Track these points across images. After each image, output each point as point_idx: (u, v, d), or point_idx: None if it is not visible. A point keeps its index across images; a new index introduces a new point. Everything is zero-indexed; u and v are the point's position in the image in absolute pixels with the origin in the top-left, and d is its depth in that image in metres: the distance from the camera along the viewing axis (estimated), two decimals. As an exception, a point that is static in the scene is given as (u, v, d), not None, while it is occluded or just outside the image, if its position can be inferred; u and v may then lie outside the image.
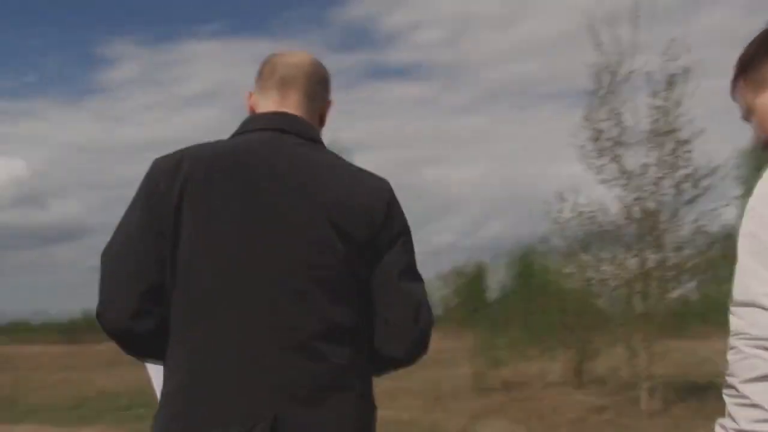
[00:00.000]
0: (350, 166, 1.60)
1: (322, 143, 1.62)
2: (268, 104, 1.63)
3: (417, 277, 1.54)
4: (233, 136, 1.59)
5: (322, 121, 1.71)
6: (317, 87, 1.67)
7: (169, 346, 1.44)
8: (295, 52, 1.71)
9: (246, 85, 1.71)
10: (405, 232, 1.55)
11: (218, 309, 1.41)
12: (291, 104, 1.62)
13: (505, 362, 11.56)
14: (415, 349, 1.51)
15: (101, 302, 1.46)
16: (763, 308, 1.14)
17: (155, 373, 1.69)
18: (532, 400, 10.20)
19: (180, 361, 1.43)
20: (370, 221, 1.48)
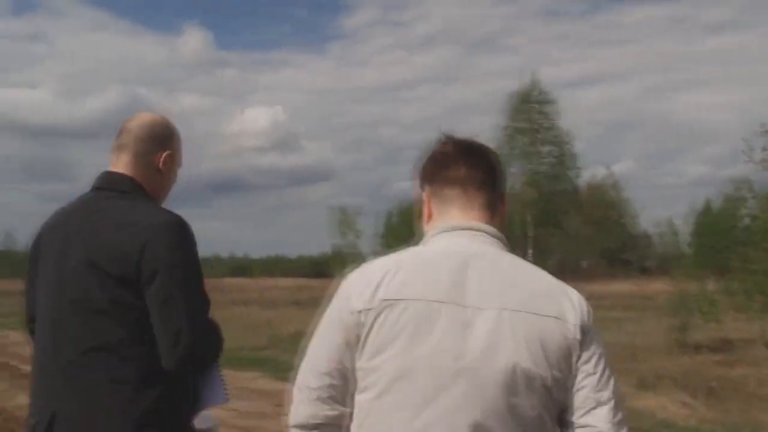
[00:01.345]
0: (133, 209, 1.85)
1: (134, 193, 1.91)
2: (109, 163, 1.97)
3: (178, 306, 1.74)
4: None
5: (161, 171, 1.99)
6: (147, 144, 1.96)
7: None
8: (138, 116, 2.01)
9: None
10: (167, 266, 1.75)
11: (41, 335, 1.88)
12: (121, 165, 1.95)
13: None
14: (181, 366, 1.75)
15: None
16: None
17: None
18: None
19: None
20: (125, 259, 1.75)
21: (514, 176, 31.72)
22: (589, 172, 44.57)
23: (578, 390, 1.35)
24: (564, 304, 1.38)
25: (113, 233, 1.78)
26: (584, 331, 1.36)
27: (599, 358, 1.37)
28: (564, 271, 35.04)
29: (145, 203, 1.90)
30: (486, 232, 1.44)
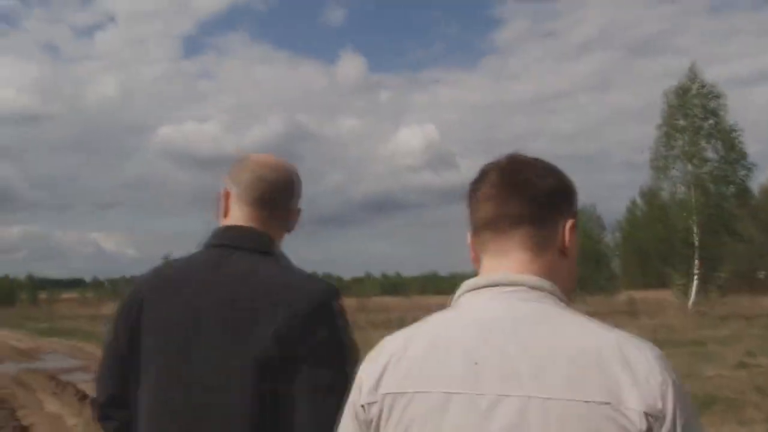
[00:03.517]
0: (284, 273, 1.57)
1: (272, 254, 1.62)
2: (238, 216, 1.66)
3: (332, 393, 1.39)
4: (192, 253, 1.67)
5: (290, 227, 1.74)
6: (281, 196, 1.69)
7: None
8: (267, 162, 1.70)
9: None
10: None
11: (161, 419, 1.54)
12: (261, 221, 1.65)
13: None
14: None
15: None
16: None
17: None
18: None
19: None
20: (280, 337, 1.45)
21: (673, 180, 28.99)
22: (765, 175, 40.37)
23: None
24: (620, 376, 0.98)
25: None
26: (659, 417, 0.96)
27: None
28: (738, 283, 31.78)
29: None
30: (521, 285, 1.11)
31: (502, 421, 1.00)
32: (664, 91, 29.92)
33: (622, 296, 37.59)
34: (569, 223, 1.19)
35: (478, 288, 1.15)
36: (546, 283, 1.12)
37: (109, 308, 47.89)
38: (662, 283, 34.01)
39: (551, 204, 1.18)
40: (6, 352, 19.78)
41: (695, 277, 28.79)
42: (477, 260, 1.22)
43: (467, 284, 1.17)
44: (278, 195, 1.68)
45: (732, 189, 29.36)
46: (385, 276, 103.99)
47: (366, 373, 1.15)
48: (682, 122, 29.25)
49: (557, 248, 1.17)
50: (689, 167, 29.19)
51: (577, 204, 1.24)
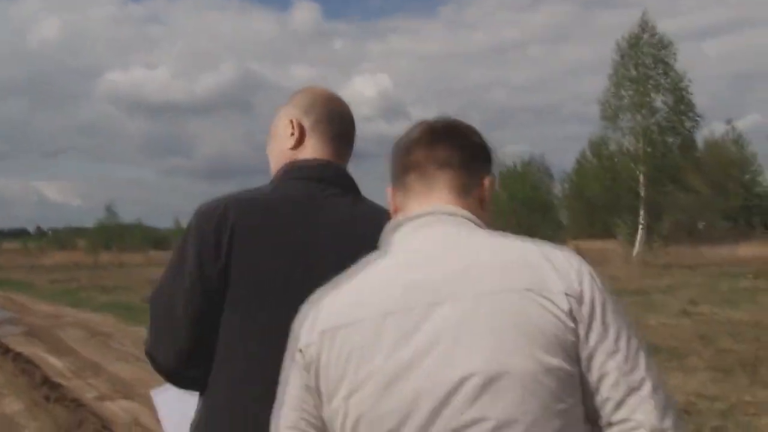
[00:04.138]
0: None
1: (359, 193, 1.60)
2: (322, 150, 1.60)
3: None
4: (276, 183, 1.58)
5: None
6: (354, 134, 1.69)
7: (212, 375, 1.46)
8: (338, 97, 1.69)
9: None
10: None
11: (259, 347, 1.41)
12: (342, 160, 1.64)
13: None
14: None
15: (152, 346, 1.51)
16: None
17: (163, 403, 1.81)
18: None
19: (221, 387, 1.45)
20: None
21: (622, 130, 29.14)
22: (710, 130, 41.15)
23: (598, 379, 1.07)
24: (542, 268, 1.09)
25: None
26: (579, 299, 1.08)
27: (618, 331, 1.08)
28: (681, 234, 32.48)
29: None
30: (446, 213, 1.19)
31: (434, 327, 1.05)
32: (616, 40, 29.89)
33: (569, 246, 38.05)
34: (489, 178, 1.27)
35: (408, 221, 1.20)
36: (467, 213, 1.20)
37: (51, 258, 47.07)
38: (609, 234, 34.55)
39: (477, 155, 1.27)
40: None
41: (640, 227, 29.25)
42: (396, 211, 1.27)
43: (391, 224, 1.22)
44: (353, 132, 1.68)
45: (678, 140, 29.71)
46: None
47: (303, 317, 1.17)
48: (633, 72, 29.26)
49: (477, 198, 1.25)
50: (638, 117, 29.36)
51: (496, 165, 1.32)
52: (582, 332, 1.06)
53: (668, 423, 1.06)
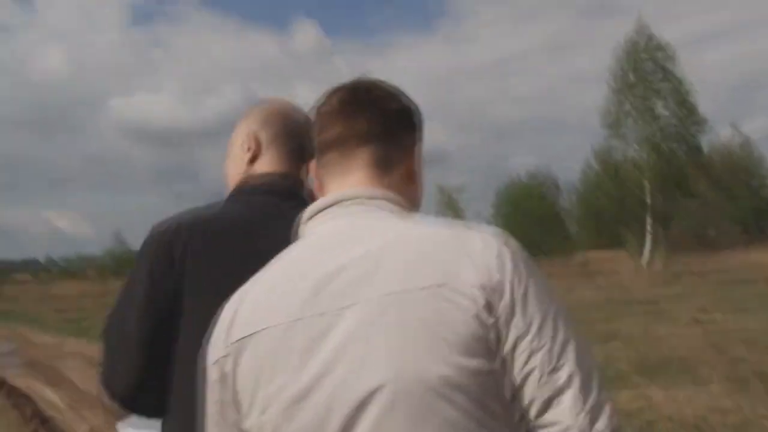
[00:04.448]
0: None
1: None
2: (280, 163, 1.57)
3: None
4: (231, 199, 1.53)
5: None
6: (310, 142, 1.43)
7: (169, 399, 1.40)
8: (301, 111, 1.61)
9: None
10: None
11: None
12: (301, 173, 1.57)
13: None
14: None
15: (106, 373, 1.45)
16: None
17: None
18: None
19: (177, 411, 1.38)
20: None
21: (626, 138, 28.90)
22: (716, 136, 40.78)
23: (522, 378, 0.96)
24: (456, 257, 0.98)
25: None
26: (497, 291, 0.96)
27: (542, 322, 0.97)
28: (690, 242, 32.11)
29: None
30: (363, 197, 1.10)
31: (343, 333, 0.96)
32: (615, 47, 29.72)
33: (579, 257, 37.87)
34: (416, 145, 1.18)
35: (319, 211, 1.11)
36: (387, 194, 1.10)
37: (60, 288, 47.21)
38: (618, 243, 34.25)
39: (399, 123, 1.17)
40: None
41: (648, 235, 28.93)
42: (321, 188, 1.18)
43: (308, 210, 1.14)
44: (308, 141, 1.56)
45: (684, 147, 29.44)
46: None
47: (217, 328, 1.09)
48: (632, 78, 29.07)
49: (404, 171, 1.16)
50: (641, 125, 29.15)
51: (422, 128, 1.22)
52: (503, 328, 0.96)
53: (600, 426, 0.94)
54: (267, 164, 1.56)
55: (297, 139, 1.57)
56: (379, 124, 1.14)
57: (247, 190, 1.52)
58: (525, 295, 0.97)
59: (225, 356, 1.05)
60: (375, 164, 1.13)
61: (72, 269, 66.90)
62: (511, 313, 0.95)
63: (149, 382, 1.40)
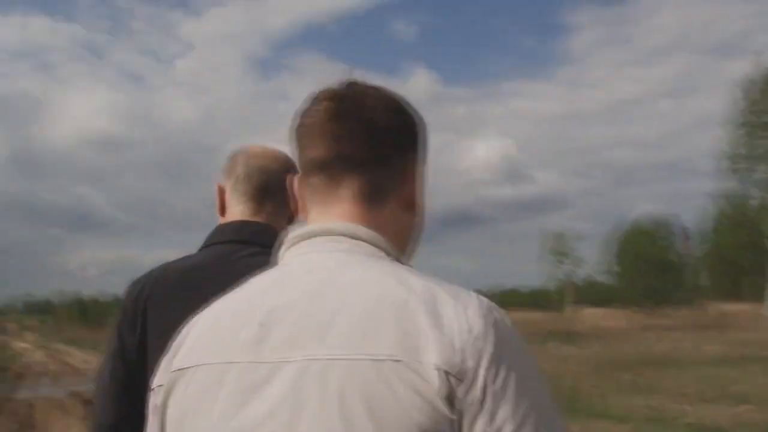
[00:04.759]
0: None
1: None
2: (240, 210, 1.59)
3: None
4: (200, 250, 1.57)
5: (291, 220, 1.60)
6: (281, 186, 1.46)
7: None
8: (267, 151, 1.65)
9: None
10: None
11: None
12: (264, 214, 1.59)
13: None
14: None
15: (92, 420, 1.54)
16: None
17: None
18: None
19: None
20: None
21: (756, 182, 27.04)
22: None
23: None
24: (423, 327, 0.78)
25: None
26: (463, 376, 0.76)
27: (520, 428, 0.75)
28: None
29: None
30: (338, 234, 0.94)
31: (275, 393, 0.81)
32: (742, 86, 28.05)
33: (706, 308, 35.53)
34: (416, 167, 1.02)
35: (295, 240, 0.98)
36: (370, 234, 0.94)
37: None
38: (748, 293, 31.91)
39: (396, 142, 0.99)
40: (68, 372, 19.88)
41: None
42: (304, 210, 1.04)
43: (286, 237, 1.00)
44: (278, 185, 1.57)
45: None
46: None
47: (168, 352, 0.98)
48: (755, 119, 27.23)
49: (401, 199, 0.99)
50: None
51: (427, 145, 1.04)
52: (465, 426, 0.74)
53: None
54: (231, 213, 1.61)
55: (258, 180, 1.60)
56: (371, 147, 0.97)
57: (212, 241, 1.57)
58: (502, 391, 0.75)
59: (160, 385, 0.95)
60: (364, 195, 0.97)
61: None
62: (477, 412, 0.74)
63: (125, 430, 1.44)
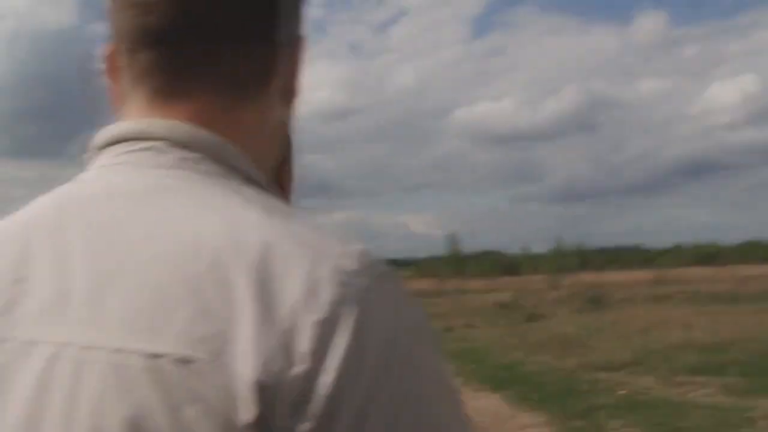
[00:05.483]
0: None
1: None
2: None
3: None
4: None
5: None
6: None
7: None
8: None
9: None
10: None
11: None
12: None
13: None
14: None
15: None
16: None
17: None
18: None
19: None
20: None
21: None
22: None
23: None
24: (239, 304, 0.48)
25: None
26: (285, 388, 0.45)
27: None
28: None
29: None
30: (161, 139, 0.62)
31: (20, 390, 0.53)
32: None
33: None
34: (298, 46, 0.70)
35: (105, 145, 0.65)
36: (213, 140, 0.62)
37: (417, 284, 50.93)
38: None
39: (264, 12, 0.66)
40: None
41: None
42: (119, 98, 0.69)
43: (97, 138, 0.67)
44: None
45: None
46: (697, 246, 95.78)
47: None
48: None
49: (275, 91, 0.67)
50: None
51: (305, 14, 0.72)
52: None
53: None
54: None
55: None
56: (231, 10, 0.63)
57: None
58: (361, 422, 0.46)
59: None
60: (219, 88, 0.65)
61: (422, 270, 72.61)
62: (327, 426, 0.45)
63: None
